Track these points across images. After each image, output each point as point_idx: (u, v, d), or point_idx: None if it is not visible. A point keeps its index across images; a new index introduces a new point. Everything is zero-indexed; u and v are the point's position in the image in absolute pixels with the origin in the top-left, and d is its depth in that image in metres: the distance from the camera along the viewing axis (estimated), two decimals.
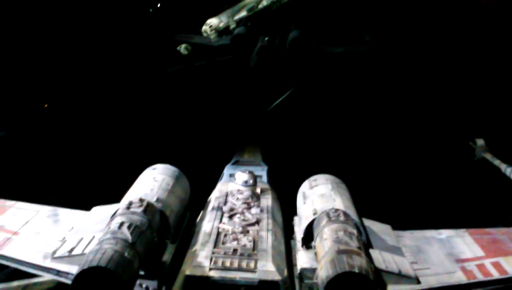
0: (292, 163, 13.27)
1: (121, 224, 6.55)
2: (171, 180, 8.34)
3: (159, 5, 22.57)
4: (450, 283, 7.08)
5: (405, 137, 15.20)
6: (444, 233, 8.31)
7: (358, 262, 5.96)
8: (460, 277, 7.18)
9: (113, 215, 6.98)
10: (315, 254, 6.89)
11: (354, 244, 6.41)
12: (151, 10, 22.72)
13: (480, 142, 13.71)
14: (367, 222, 8.23)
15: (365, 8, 21.73)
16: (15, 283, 8.63)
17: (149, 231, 6.86)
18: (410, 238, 8.19)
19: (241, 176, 8.90)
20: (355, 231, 6.80)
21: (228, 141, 13.57)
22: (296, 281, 7.09)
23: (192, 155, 13.89)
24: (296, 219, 8.43)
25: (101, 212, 8.12)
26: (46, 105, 17.00)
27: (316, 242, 6.94)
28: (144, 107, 17.97)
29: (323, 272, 6.03)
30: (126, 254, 6.02)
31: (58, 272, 7.00)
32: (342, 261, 5.96)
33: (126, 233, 6.39)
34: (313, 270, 6.80)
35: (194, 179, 9.25)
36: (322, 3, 22.79)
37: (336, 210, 7.27)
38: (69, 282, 6.78)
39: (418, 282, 7.02)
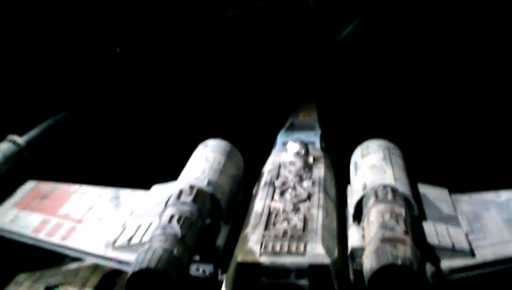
0: (348, 123, 13.02)
1: (171, 217, 6.76)
2: (222, 158, 8.47)
3: None
4: (506, 255, 6.92)
5: (463, 97, 14.46)
6: (504, 195, 8.06)
7: (402, 252, 5.90)
8: None
9: (166, 205, 7.21)
10: (363, 236, 6.88)
11: (400, 229, 6.32)
12: None
13: None
14: (422, 189, 8.09)
15: None
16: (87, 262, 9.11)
17: (200, 220, 7.06)
18: (467, 202, 8.01)
19: (293, 146, 8.86)
20: (402, 211, 6.69)
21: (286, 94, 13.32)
22: (349, 260, 7.14)
23: (248, 119, 13.84)
24: (349, 188, 8.40)
25: (160, 192, 8.45)
26: (118, 49, 17.14)
27: (364, 224, 6.91)
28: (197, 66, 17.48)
29: (367, 263, 6.01)
30: (175, 251, 6.23)
31: (119, 262, 7.38)
32: (385, 251, 5.92)
33: (176, 227, 6.59)
34: (363, 248, 6.81)
35: (248, 148, 9.32)
36: None
37: (385, 187, 7.16)
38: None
39: (473, 255, 6.90)
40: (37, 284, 8.98)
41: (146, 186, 9.04)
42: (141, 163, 12.83)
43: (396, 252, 5.88)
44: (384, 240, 6.14)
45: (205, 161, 8.30)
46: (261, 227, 7.12)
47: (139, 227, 7.67)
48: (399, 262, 5.75)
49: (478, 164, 11.91)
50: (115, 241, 7.57)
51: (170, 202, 7.26)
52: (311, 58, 16.28)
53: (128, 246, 7.38)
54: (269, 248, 6.63)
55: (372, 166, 7.89)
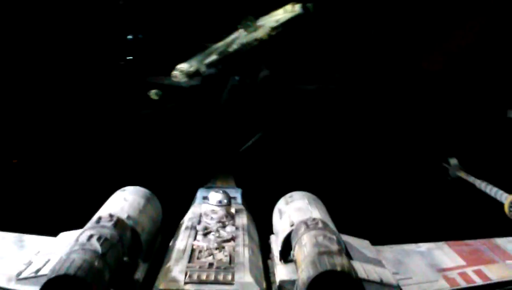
0: (265, 187, 13.06)
1: (90, 236, 6.26)
2: (142, 201, 8.07)
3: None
4: None
5: (379, 160, 15.21)
6: (424, 246, 8.21)
7: (340, 261, 5.77)
8: (443, 285, 7.04)
9: (82, 231, 6.67)
10: (295, 262, 6.65)
11: (334, 247, 6.21)
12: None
13: (454, 161, 13.85)
14: (345, 238, 8.04)
15: (335, 45, 22.00)
16: None
17: (120, 245, 6.56)
18: (389, 252, 8.05)
19: (215, 196, 8.68)
20: (334, 237, 6.62)
21: (200, 169, 13.36)
22: None
23: (164, 180, 13.61)
24: (272, 237, 8.24)
25: (69, 237, 7.76)
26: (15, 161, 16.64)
27: (295, 251, 6.73)
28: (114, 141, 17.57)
29: (304, 274, 5.80)
30: (96, 263, 5.71)
31: None
32: (323, 261, 5.76)
33: (95, 244, 6.10)
34: (293, 282, 6.58)
35: (166, 203, 9.00)
36: (291, 45, 23.00)
37: (314, 219, 7.09)
38: None
39: None
40: None
41: (52, 234, 8.34)
42: (47, 210, 11.98)
43: (333, 260, 5.74)
44: (320, 253, 5.99)
45: (123, 201, 7.86)
46: (185, 260, 6.79)
47: (47, 261, 6.97)
48: (339, 268, 5.59)
49: (394, 222, 12.19)
50: (19, 274, 6.80)
51: (87, 226, 6.75)
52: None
53: (35, 277, 6.65)
54: (195, 277, 6.30)
55: (298, 209, 7.83)
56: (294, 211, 7.78)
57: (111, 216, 6.96)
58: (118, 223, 6.85)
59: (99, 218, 6.87)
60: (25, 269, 6.88)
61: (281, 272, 7.01)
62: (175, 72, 22.24)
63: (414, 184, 14.05)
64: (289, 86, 20.52)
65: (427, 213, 12.63)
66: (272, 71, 20.65)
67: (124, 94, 21.07)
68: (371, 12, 20.50)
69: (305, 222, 7.02)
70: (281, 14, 24.40)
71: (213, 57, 23.22)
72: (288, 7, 24.36)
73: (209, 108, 20.09)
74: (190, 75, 22.28)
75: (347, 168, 15.28)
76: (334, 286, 5.61)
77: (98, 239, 6.21)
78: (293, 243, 6.94)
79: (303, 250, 6.34)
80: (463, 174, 13.36)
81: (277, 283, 6.83)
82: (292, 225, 7.28)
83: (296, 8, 24.04)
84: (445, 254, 7.83)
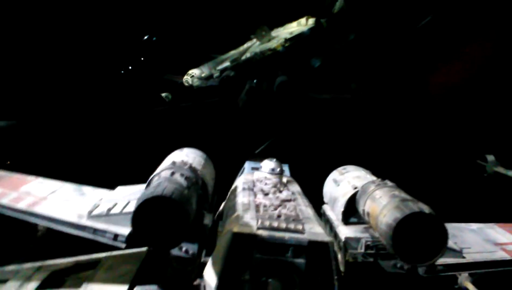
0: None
1: (173, 173, 6.25)
2: (202, 159, 8.07)
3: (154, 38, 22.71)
4: (494, 259, 6.97)
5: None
6: (474, 225, 8.25)
7: (426, 206, 5.81)
8: (503, 255, 7.10)
9: (157, 173, 6.65)
10: (367, 214, 6.64)
11: (413, 199, 6.25)
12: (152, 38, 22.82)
13: (491, 158, 13.97)
14: None
15: (351, 56, 22.37)
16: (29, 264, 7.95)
17: (198, 187, 6.56)
18: None
19: (268, 164, 8.67)
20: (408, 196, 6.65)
21: None
22: (340, 252, 6.85)
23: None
24: (325, 206, 8.25)
25: (128, 189, 7.77)
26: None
27: (366, 206, 6.71)
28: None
29: (389, 218, 5.83)
30: (185, 192, 5.73)
31: (95, 231, 6.59)
32: (409, 205, 5.80)
33: (180, 179, 6.10)
34: (357, 240, 6.65)
35: None
36: (308, 53, 23.35)
37: (382, 179, 7.12)
38: (105, 241, 6.45)
39: (463, 257, 6.89)
40: None
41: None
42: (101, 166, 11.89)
43: (419, 205, 5.80)
44: (403, 200, 6.02)
45: (185, 156, 7.85)
46: (252, 211, 6.74)
47: (115, 204, 6.97)
48: (426, 211, 5.64)
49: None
50: (90, 211, 6.79)
51: (164, 167, 6.72)
52: None
53: (107, 215, 6.67)
54: (266, 224, 6.26)
55: (357, 176, 7.82)
56: (352, 178, 7.79)
57: (184, 162, 6.95)
58: (192, 168, 6.85)
59: (173, 163, 6.86)
60: (94, 209, 6.85)
61: (344, 231, 7.02)
62: (186, 77, 22.49)
63: (451, 180, 14.13)
64: (304, 93, 20.74)
65: (467, 206, 12.67)
66: (289, 77, 20.90)
67: (141, 92, 21.20)
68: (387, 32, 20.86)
69: (373, 182, 7.04)
70: (295, 27, 24.83)
71: (226, 64, 23.50)
72: (303, 20, 24.78)
73: (226, 108, 20.22)
74: (202, 80, 22.53)
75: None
76: (420, 228, 5.66)
77: (181, 175, 6.21)
78: (361, 201, 6.93)
79: (379, 202, 6.35)
80: (501, 170, 13.48)
81: (343, 240, 6.83)
82: (355, 188, 7.28)
83: (310, 22, 24.46)
84: (497, 233, 7.89)
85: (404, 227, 5.66)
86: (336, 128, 19.14)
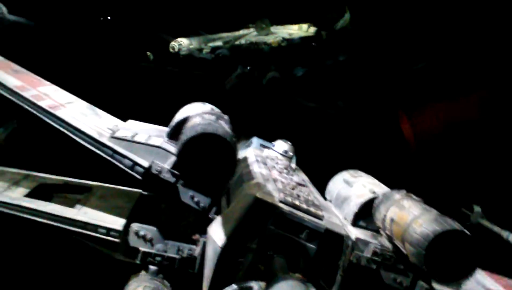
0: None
1: (217, 118, 5.95)
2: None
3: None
4: None
5: None
6: None
7: (461, 226, 5.72)
8: None
9: (197, 114, 6.32)
10: (391, 221, 6.47)
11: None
12: None
13: (477, 209, 14.03)
14: None
15: (340, 75, 22.32)
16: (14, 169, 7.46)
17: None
18: None
19: (282, 145, 8.51)
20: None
21: None
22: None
23: None
24: (329, 203, 8.08)
25: (143, 126, 7.40)
26: None
27: (389, 213, 6.52)
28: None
29: (425, 228, 5.66)
30: (234, 140, 5.46)
31: (114, 152, 6.23)
32: (447, 221, 5.69)
33: (226, 127, 5.83)
34: (366, 243, 6.55)
35: None
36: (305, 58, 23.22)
37: (407, 192, 6.98)
38: (122, 166, 6.11)
39: None
40: None
41: None
42: None
43: (456, 223, 5.70)
44: (440, 215, 5.91)
45: (210, 107, 7.49)
46: (272, 184, 6.52)
47: (137, 134, 6.60)
48: (465, 230, 5.56)
49: None
50: (113, 132, 6.41)
51: (199, 111, 6.40)
52: None
53: (130, 141, 6.31)
54: (289, 199, 6.10)
55: (371, 182, 7.69)
56: (368, 183, 7.63)
57: (221, 113, 6.66)
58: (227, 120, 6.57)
59: (212, 109, 6.59)
60: (117, 130, 6.48)
61: (353, 232, 6.86)
62: (173, 43, 21.88)
63: None
64: (291, 95, 20.61)
65: None
66: (281, 75, 20.70)
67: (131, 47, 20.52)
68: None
69: (397, 191, 6.89)
70: (295, 30, 24.71)
71: (218, 43, 23.08)
72: (304, 26, 24.70)
73: (213, 85, 19.85)
74: (190, 50, 22.01)
75: None
76: (454, 247, 5.56)
77: (225, 123, 5.95)
78: (382, 208, 6.72)
79: (410, 211, 6.17)
80: (486, 223, 13.57)
81: (354, 238, 6.66)
82: (373, 193, 7.13)
83: (311, 30, 24.41)
84: (484, 278, 7.90)
85: (439, 242, 5.54)
86: (319, 136, 18.99)
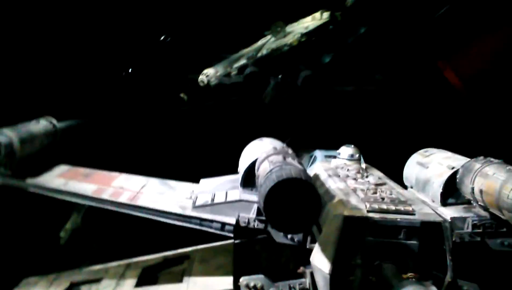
0: None
1: (284, 157, 6.11)
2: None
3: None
4: None
5: None
6: None
7: None
8: None
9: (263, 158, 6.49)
10: (480, 192, 6.45)
11: None
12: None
13: None
14: None
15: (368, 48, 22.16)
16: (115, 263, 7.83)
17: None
18: None
19: (346, 150, 8.57)
20: None
21: None
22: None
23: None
24: (411, 190, 8.07)
25: (216, 181, 7.64)
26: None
27: (475, 184, 6.51)
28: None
29: None
30: (307, 174, 5.60)
31: (201, 221, 6.50)
32: None
33: (296, 163, 5.97)
34: (463, 219, 6.64)
35: None
36: (330, 46, 23.17)
37: (484, 157, 6.93)
38: (212, 230, 6.34)
39: None
40: (57, 283, 7.43)
41: None
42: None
43: None
44: None
45: (270, 144, 7.70)
46: (353, 196, 6.60)
47: (214, 195, 6.86)
48: None
49: None
50: (194, 201, 6.66)
51: (266, 155, 6.57)
52: None
53: (211, 205, 6.56)
54: (375, 206, 6.17)
55: (446, 157, 7.67)
56: (443, 159, 7.63)
57: (282, 147, 6.82)
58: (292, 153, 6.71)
59: (275, 148, 6.72)
60: (196, 199, 6.74)
61: (447, 212, 6.87)
62: (201, 77, 22.18)
63: None
64: (329, 86, 20.54)
65: None
66: (313, 71, 20.68)
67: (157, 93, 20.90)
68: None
69: (476, 160, 6.85)
70: (310, 22, 24.63)
71: (243, 61, 23.23)
72: (317, 14, 24.57)
73: (251, 104, 19.99)
74: (218, 78, 22.23)
75: None
76: None
77: (293, 158, 6.09)
78: (465, 181, 6.73)
79: (496, 178, 6.16)
80: None
81: (448, 220, 6.67)
82: (452, 168, 7.11)
83: (325, 16, 24.28)
84: None
85: None
86: (362, 120, 18.92)
